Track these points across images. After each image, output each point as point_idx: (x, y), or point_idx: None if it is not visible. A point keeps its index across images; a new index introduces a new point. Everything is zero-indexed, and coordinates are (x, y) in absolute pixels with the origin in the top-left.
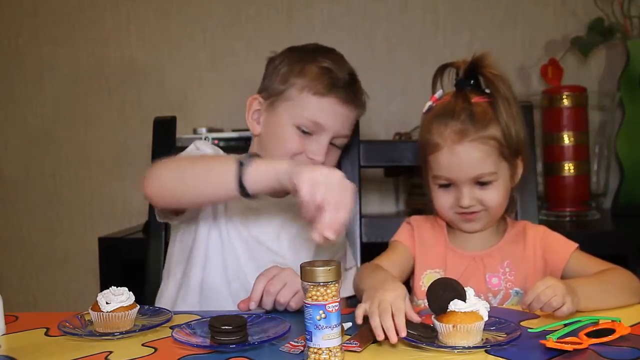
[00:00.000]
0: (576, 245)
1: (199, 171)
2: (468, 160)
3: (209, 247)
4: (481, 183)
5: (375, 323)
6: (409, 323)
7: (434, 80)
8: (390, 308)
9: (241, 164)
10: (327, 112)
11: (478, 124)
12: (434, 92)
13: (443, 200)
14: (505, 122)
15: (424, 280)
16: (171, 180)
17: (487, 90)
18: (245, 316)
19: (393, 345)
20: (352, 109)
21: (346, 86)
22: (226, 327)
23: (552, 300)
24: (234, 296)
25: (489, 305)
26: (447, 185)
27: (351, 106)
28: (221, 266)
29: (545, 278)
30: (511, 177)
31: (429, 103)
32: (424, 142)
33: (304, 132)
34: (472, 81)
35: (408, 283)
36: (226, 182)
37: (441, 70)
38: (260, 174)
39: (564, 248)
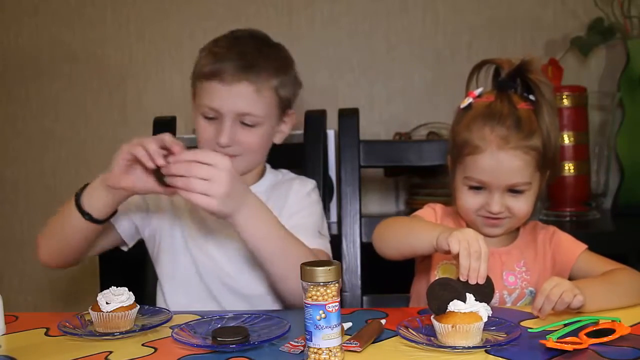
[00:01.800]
0: (585, 246)
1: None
2: (508, 167)
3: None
4: (513, 191)
5: (465, 264)
6: (464, 283)
7: (470, 76)
8: (481, 252)
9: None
10: (215, 95)
11: (523, 132)
12: (468, 88)
13: (471, 202)
14: (547, 131)
15: (439, 270)
16: (49, 242)
17: (531, 97)
18: (246, 316)
19: (393, 345)
20: (244, 85)
21: (231, 66)
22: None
23: (564, 295)
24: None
25: (489, 307)
26: (478, 188)
27: (241, 83)
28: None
29: (550, 279)
30: (540, 187)
31: (469, 99)
32: (463, 141)
33: (210, 118)
34: (516, 85)
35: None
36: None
37: (479, 67)
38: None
39: (572, 249)
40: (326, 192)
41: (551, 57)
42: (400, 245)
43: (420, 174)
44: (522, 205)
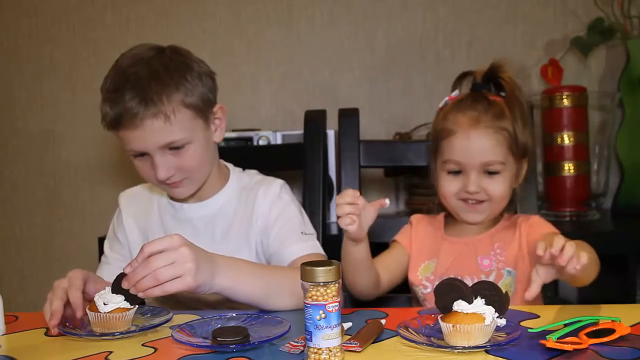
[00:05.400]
0: (558, 232)
1: None
2: (480, 145)
3: None
4: (489, 172)
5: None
6: (483, 283)
7: (453, 86)
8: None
9: None
10: (131, 140)
11: (493, 115)
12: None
13: (450, 186)
14: (517, 122)
15: (421, 270)
16: None
17: (502, 94)
18: (246, 316)
19: (393, 345)
20: (151, 122)
21: (129, 109)
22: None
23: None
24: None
25: (494, 310)
26: (456, 172)
27: (146, 121)
28: None
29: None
30: (515, 176)
31: (446, 99)
32: (439, 129)
33: (140, 155)
34: (488, 86)
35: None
36: None
37: (461, 78)
38: None
39: (544, 229)
40: (326, 192)
41: (551, 57)
42: (353, 274)
43: (420, 174)
44: (497, 186)
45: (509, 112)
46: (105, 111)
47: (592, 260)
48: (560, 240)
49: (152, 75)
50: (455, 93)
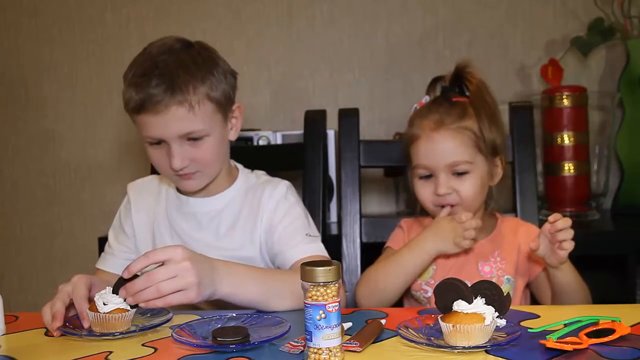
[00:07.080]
0: None
1: None
2: (444, 147)
3: None
4: (458, 173)
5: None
6: (483, 282)
7: (427, 92)
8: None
9: None
10: (151, 126)
11: (454, 116)
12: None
13: (423, 192)
14: (482, 120)
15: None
16: None
17: (467, 93)
18: (246, 316)
19: (393, 345)
20: (175, 109)
21: (155, 94)
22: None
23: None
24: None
25: (494, 310)
26: (427, 176)
27: (171, 108)
28: None
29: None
30: (489, 174)
31: (415, 105)
32: (407, 136)
33: (157, 143)
34: (456, 88)
35: None
36: None
37: (433, 84)
38: None
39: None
40: (326, 192)
41: (551, 57)
42: (401, 282)
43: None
44: (467, 187)
45: (472, 111)
46: (130, 95)
47: (578, 281)
48: (567, 223)
49: (181, 65)
50: (425, 99)
